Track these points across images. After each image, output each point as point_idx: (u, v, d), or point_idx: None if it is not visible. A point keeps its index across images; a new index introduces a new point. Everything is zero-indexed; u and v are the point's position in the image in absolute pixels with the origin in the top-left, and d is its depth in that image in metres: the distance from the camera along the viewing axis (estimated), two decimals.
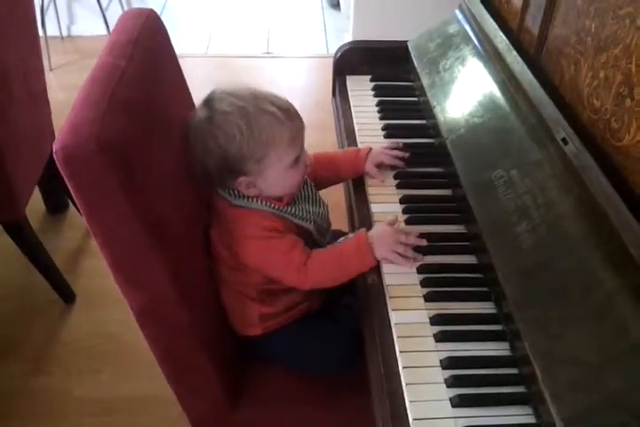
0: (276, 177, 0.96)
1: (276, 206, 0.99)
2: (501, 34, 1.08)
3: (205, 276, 1.01)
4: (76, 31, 3.34)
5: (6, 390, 1.58)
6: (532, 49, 1.04)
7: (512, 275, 0.85)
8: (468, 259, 0.98)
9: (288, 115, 0.93)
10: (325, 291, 1.13)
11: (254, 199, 0.98)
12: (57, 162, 0.74)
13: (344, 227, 1.23)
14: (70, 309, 1.81)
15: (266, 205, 0.98)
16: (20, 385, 1.59)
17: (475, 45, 1.14)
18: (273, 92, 0.97)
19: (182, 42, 3.30)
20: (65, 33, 3.32)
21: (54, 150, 0.74)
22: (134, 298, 0.91)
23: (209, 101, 0.94)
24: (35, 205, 1.94)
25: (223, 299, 1.07)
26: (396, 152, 1.15)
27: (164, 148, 0.90)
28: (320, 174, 1.13)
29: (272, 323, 1.08)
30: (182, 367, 1.01)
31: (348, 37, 2.88)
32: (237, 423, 1.09)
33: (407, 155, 1.15)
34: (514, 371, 0.81)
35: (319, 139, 2.17)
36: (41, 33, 2.93)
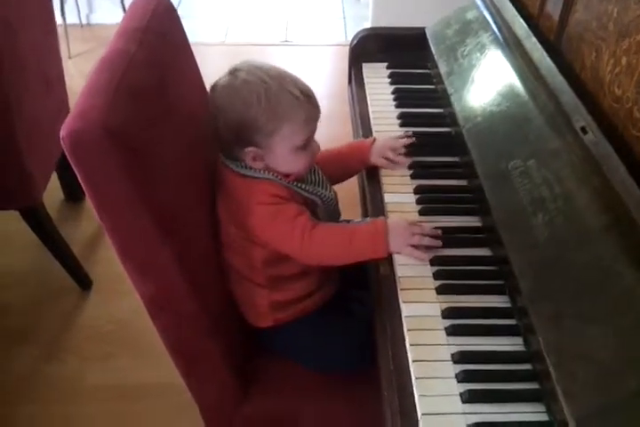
0: (283, 155, 0.96)
1: (283, 179, 0.98)
2: (520, 20, 1.04)
3: (214, 264, 1.00)
4: (95, 19, 3.34)
5: (22, 376, 1.59)
6: (552, 35, 1.01)
7: (527, 268, 0.82)
8: (483, 251, 0.96)
9: (308, 99, 0.95)
10: (337, 282, 1.12)
11: (261, 170, 0.97)
12: (64, 147, 0.74)
13: (356, 217, 1.21)
14: (86, 296, 1.82)
15: (273, 175, 0.98)
16: (34, 371, 1.60)
17: (493, 32, 1.11)
18: (300, 79, 0.98)
19: (200, 30, 3.29)
20: (84, 21, 3.33)
21: (61, 136, 0.73)
22: (143, 286, 0.90)
23: (235, 70, 0.96)
24: (53, 193, 1.95)
25: (233, 288, 1.06)
26: (402, 144, 1.13)
27: (173, 134, 0.89)
28: (328, 172, 1.10)
29: (283, 315, 1.06)
30: (192, 357, 1.00)
31: (368, 25, 2.84)
32: (247, 414, 1.08)
33: (410, 142, 1.14)
34: (527, 367, 0.79)
35: (337, 128, 2.15)
36: (60, 21, 2.97)
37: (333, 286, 1.11)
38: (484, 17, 1.17)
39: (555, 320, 0.75)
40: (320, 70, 3.00)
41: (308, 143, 0.98)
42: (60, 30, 2.94)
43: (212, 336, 0.96)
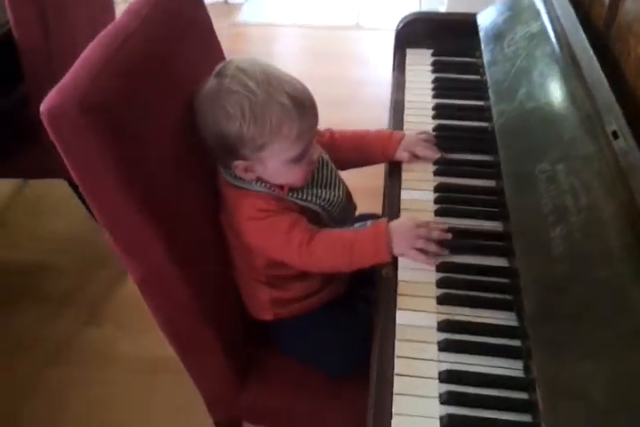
0: (274, 168, 0.89)
1: (276, 191, 0.92)
2: (570, 7, 0.93)
3: (210, 253, 0.96)
4: None
5: (59, 338, 1.65)
6: (601, 25, 0.89)
7: (534, 285, 0.74)
8: (499, 261, 0.87)
9: (301, 108, 0.84)
10: (346, 281, 1.06)
11: (253, 182, 0.91)
12: (44, 123, 0.72)
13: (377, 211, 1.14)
14: None
15: (265, 187, 0.91)
16: (72, 334, 1.66)
17: (542, 21, 1.00)
18: (293, 79, 0.87)
19: (273, 11, 3.25)
20: None
21: (41, 111, 0.71)
22: (133, 268, 0.88)
23: (219, 75, 0.86)
24: None
25: (236, 279, 1.03)
26: (431, 144, 1.04)
27: (169, 118, 0.85)
28: (345, 154, 1.05)
29: (284, 311, 1.02)
30: (186, 340, 0.98)
31: (443, 10, 2.71)
32: (246, 404, 1.05)
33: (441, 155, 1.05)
34: (522, 396, 0.71)
35: None
36: None
37: (340, 285, 1.05)
38: (535, 3, 1.05)
39: (554, 347, 0.67)
40: (389, 55, 2.90)
41: (305, 154, 0.89)
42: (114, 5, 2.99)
43: (206, 321, 0.93)
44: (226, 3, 3.33)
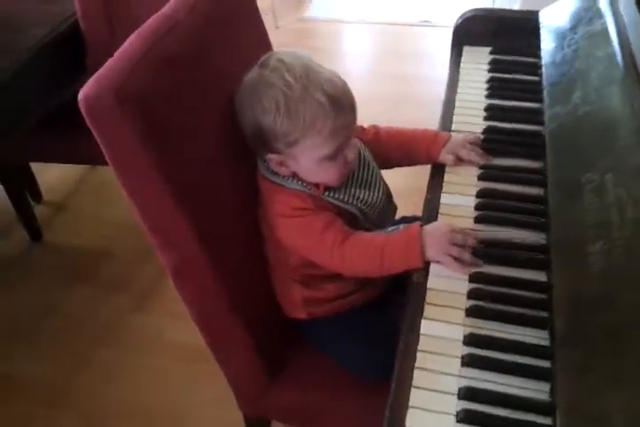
0: (307, 166, 0.88)
1: (312, 189, 0.90)
2: (635, 8, 0.86)
3: (244, 248, 0.95)
4: None
5: (108, 322, 1.70)
6: None
7: (567, 303, 0.69)
8: (537, 275, 0.82)
9: (337, 106, 0.83)
10: (382, 285, 1.04)
11: (289, 178, 0.90)
12: (81, 111, 0.73)
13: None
14: None
15: (300, 185, 0.90)
16: (120, 319, 1.71)
17: (605, 22, 0.93)
18: (334, 76, 0.86)
19: (340, 7, 3.22)
20: None
21: (79, 100, 0.72)
22: (165, 256, 0.89)
23: (262, 66, 0.86)
24: None
25: (271, 276, 1.02)
26: (478, 149, 1.00)
27: (208, 110, 0.85)
28: (388, 152, 1.02)
29: (318, 310, 1.01)
30: (217, 332, 0.99)
31: (516, 8, 2.61)
32: (276, 401, 1.05)
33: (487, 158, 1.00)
34: (545, 421, 0.66)
35: None
36: None
37: (375, 289, 1.03)
38: (601, 2, 0.98)
39: (579, 372, 0.62)
40: None
41: (340, 152, 0.87)
42: None
43: (235, 313, 0.93)
44: None
